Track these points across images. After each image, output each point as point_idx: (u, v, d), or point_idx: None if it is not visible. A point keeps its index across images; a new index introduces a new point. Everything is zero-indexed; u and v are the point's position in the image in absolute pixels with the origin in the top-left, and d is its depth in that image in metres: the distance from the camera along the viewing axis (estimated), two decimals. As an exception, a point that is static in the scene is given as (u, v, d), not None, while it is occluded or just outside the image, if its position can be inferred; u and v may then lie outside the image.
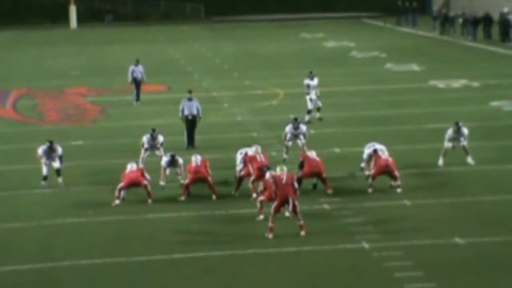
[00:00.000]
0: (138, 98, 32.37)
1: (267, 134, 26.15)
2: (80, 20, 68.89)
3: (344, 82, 37.28)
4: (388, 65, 42.44)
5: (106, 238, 17.03)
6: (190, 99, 24.38)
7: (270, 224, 16.68)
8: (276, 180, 16.88)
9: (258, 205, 17.68)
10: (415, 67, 41.55)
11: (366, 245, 16.03)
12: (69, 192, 20.35)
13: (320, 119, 27.80)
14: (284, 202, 16.76)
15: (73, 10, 69.12)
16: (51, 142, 20.89)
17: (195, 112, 24.19)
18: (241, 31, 64.22)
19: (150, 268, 15.27)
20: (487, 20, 51.27)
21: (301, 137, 22.21)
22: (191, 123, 24.14)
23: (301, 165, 19.64)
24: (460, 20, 53.95)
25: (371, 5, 73.74)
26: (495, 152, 23.47)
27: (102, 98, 34.45)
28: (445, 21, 55.94)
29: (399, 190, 19.43)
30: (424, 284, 14.15)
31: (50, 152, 20.78)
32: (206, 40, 57.46)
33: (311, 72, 28.42)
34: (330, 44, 53.48)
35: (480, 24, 52.02)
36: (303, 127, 22.26)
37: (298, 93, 33.72)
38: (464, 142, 21.76)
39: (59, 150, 20.98)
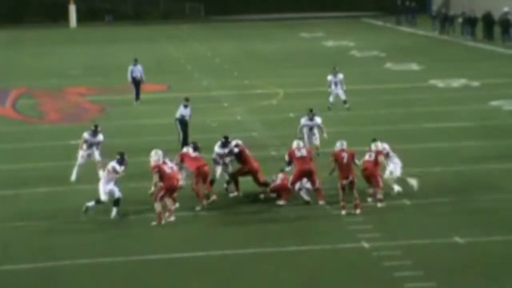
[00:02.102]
0: (138, 98, 32.37)
1: (267, 133, 26.16)
2: (79, 19, 68.86)
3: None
4: (388, 65, 42.45)
5: (106, 237, 17.03)
6: (186, 106, 24.37)
7: (342, 203, 17.78)
8: (337, 158, 17.83)
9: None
10: (414, 66, 41.54)
11: (365, 245, 16.03)
12: (68, 192, 20.35)
13: (348, 109, 29.47)
14: (346, 179, 17.75)
15: (72, 10, 69.08)
16: (96, 126, 21.01)
17: (187, 118, 24.35)
18: (240, 30, 64.21)
19: (150, 267, 15.26)
20: (487, 20, 51.28)
21: (315, 136, 22.15)
22: (184, 123, 24.18)
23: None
24: (460, 20, 53.95)
25: (370, 4, 73.73)
26: (495, 151, 23.46)
27: (101, 98, 34.45)
28: (445, 21, 55.94)
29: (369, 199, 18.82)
30: (423, 283, 14.15)
31: (93, 136, 20.46)
32: (205, 39, 57.45)
33: (334, 68, 30.14)
34: (330, 43, 53.47)
35: (479, 23, 52.03)
36: (317, 119, 22.38)
37: (298, 93, 33.76)
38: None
39: (100, 136, 20.94)
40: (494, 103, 30.76)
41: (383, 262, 15.11)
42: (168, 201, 17.74)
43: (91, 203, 18.09)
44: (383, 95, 33.43)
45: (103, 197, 17.98)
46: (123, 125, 28.56)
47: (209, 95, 34.07)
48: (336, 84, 29.56)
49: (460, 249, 15.81)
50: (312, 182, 18.47)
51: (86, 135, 21.16)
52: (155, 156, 17.94)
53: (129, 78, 32.35)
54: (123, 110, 31.32)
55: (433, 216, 17.79)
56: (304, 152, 18.69)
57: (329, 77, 29.74)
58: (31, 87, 37.35)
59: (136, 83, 32.35)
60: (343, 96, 29.62)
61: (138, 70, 32.29)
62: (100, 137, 21.27)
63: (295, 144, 18.86)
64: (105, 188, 17.97)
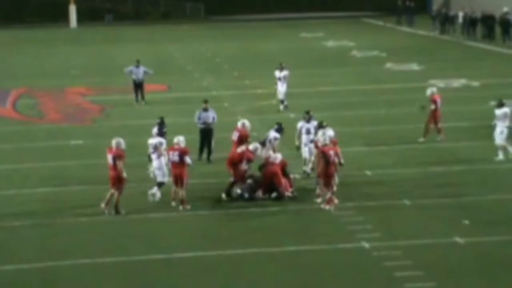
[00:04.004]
0: (142, 98, 32.08)
1: (267, 133, 26.10)
2: (80, 19, 68.87)
3: (344, 82, 37.31)
4: (388, 65, 42.46)
5: (106, 237, 17.04)
6: (206, 110, 23.15)
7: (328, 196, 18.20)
8: (325, 155, 18.11)
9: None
10: (415, 66, 41.56)
11: (366, 245, 16.04)
12: (70, 192, 20.36)
13: (279, 111, 28.96)
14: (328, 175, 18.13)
15: (73, 10, 69.09)
16: (161, 118, 20.84)
17: (210, 121, 23.02)
18: (241, 30, 64.23)
19: (150, 267, 15.28)
20: (486, 20, 51.34)
21: (312, 149, 20.93)
22: (204, 133, 23.01)
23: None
24: (460, 20, 53.98)
25: (371, 4, 73.75)
26: (495, 151, 23.45)
27: (102, 97, 34.46)
28: (445, 21, 55.97)
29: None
30: (424, 283, 14.16)
31: (161, 128, 20.30)
32: (206, 39, 57.46)
33: (280, 64, 30.59)
34: (330, 43, 53.48)
35: (479, 23, 52.11)
36: (315, 122, 21.40)
37: (298, 93, 33.78)
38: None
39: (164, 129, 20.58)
40: (494, 103, 30.72)
41: (383, 262, 15.13)
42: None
43: (155, 191, 18.97)
44: (384, 95, 33.44)
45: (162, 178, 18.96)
46: (123, 125, 28.55)
47: (209, 95, 34.01)
48: (280, 79, 30.01)
49: (460, 249, 15.82)
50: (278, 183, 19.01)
51: (155, 129, 20.61)
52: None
53: (126, 73, 32.48)
54: (123, 110, 31.33)
55: (433, 216, 17.80)
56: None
57: (276, 73, 30.24)
58: (31, 87, 37.36)
59: (137, 85, 32.16)
60: (281, 95, 29.92)
61: (139, 72, 32.10)
62: (164, 129, 20.98)
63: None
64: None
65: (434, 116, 24.52)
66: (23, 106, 32.99)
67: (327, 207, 18.17)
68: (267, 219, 17.91)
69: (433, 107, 24.59)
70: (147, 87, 33.54)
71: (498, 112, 22.56)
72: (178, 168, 18.35)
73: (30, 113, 31.64)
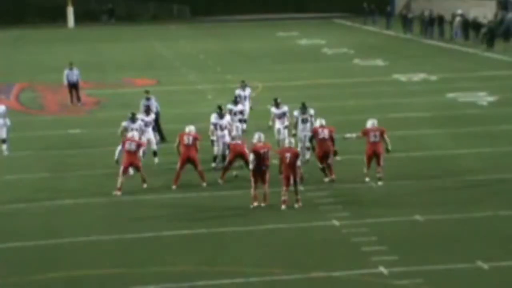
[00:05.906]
0: (78, 99, 30.84)
1: (248, 122, 26.09)
2: (77, 20, 68.45)
3: (316, 76, 37.33)
4: (356, 61, 42.52)
5: (102, 217, 17.01)
6: (222, 116, 20.45)
7: (283, 198, 17.04)
8: (281, 156, 17.03)
9: None
10: (380, 62, 41.65)
11: (336, 223, 16.11)
12: (71, 178, 20.29)
13: (243, 131, 22.77)
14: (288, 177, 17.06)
15: (70, 11, 68.66)
16: (219, 106, 20.17)
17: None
18: (223, 30, 64.08)
19: (141, 244, 15.26)
20: (441, 20, 51.65)
21: (308, 130, 20.32)
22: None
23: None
24: (420, 20, 54.19)
25: (340, 6, 73.78)
26: (451, 138, 23.62)
27: (97, 91, 34.31)
28: (406, 21, 56.16)
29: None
30: (387, 257, 14.25)
31: (221, 118, 19.92)
32: (191, 38, 57.30)
33: (243, 81, 25.60)
34: (304, 41, 53.47)
35: (435, 23, 52.37)
36: (311, 110, 20.77)
37: (275, 86, 33.82)
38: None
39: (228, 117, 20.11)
40: (450, 95, 30.95)
41: (352, 238, 15.20)
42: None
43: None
44: (351, 88, 33.51)
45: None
46: (116, 116, 28.42)
47: (195, 88, 34.00)
48: (245, 98, 24.85)
49: (420, 225, 15.92)
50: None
51: (214, 116, 20.00)
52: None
53: (65, 82, 31.04)
54: (117, 102, 31.21)
55: (397, 196, 17.90)
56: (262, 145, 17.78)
57: (239, 92, 24.87)
58: (33, 81, 37.14)
59: (72, 86, 30.85)
60: (246, 114, 23.89)
61: (74, 74, 31.04)
62: (228, 118, 20.48)
63: (256, 136, 17.63)
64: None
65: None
66: (26, 99, 32.80)
67: (283, 207, 17.04)
68: (248, 201, 17.89)
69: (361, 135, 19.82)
70: (138, 81, 33.41)
71: (277, 111, 21.33)
72: (131, 156, 18.57)
73: (32, 105, 31.47)
